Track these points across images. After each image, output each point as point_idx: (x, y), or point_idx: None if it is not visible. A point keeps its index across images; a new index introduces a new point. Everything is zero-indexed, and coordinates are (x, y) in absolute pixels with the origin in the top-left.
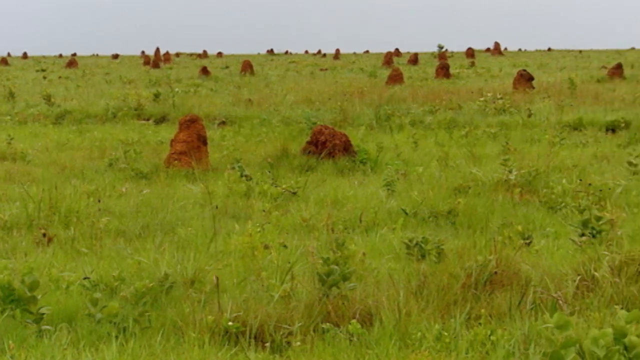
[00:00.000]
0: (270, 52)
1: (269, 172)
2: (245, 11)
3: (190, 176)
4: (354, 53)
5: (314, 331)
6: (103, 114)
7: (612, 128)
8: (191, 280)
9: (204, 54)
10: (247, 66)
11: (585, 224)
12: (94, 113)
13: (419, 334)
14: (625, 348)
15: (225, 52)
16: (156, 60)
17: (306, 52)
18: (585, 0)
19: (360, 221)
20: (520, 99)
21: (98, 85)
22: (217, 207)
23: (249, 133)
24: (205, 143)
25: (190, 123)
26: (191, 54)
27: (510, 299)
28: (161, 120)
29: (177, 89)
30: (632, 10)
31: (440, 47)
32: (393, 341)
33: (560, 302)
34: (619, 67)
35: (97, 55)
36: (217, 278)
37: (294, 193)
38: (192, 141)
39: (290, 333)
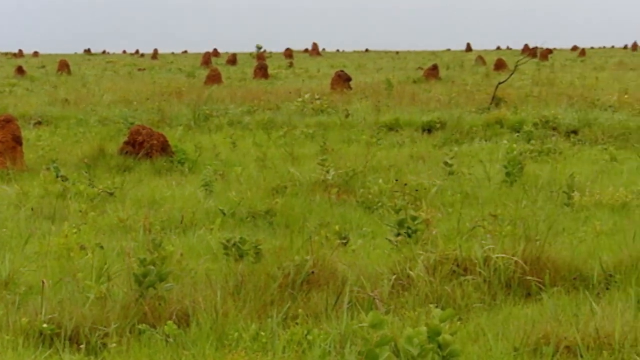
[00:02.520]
0: (88, 51)
1: (86, 172)
2: (61, 10)
3: (4, 177)
4: (172, 53)
5: (130, 332)
6: None
7: (428, 128)
8: (5, 281)
9: (20, 53)
10: (63, 66)
11: (401, 223)
12: None
13: (236, 334)
14: (439, 346)
15: (41, 51)
16: None
17: (124, 52)
18: (400, 2)
19: (182, 222)
20: (338, 100)
21: None
22: (32, 209)
23: (65, 133)
24: (20, 143)
25: (5, 123)
26: (6, 53)
27: (326, 299)
28: None
29: None
30: (446, 12)
31: (259, 48)
32: (210, 341)
33: (376, 301)
34: (434, 68)
35: None
36: (44, 282)
37: (111, 193)
38: (7, 141)
39: (106, 334)
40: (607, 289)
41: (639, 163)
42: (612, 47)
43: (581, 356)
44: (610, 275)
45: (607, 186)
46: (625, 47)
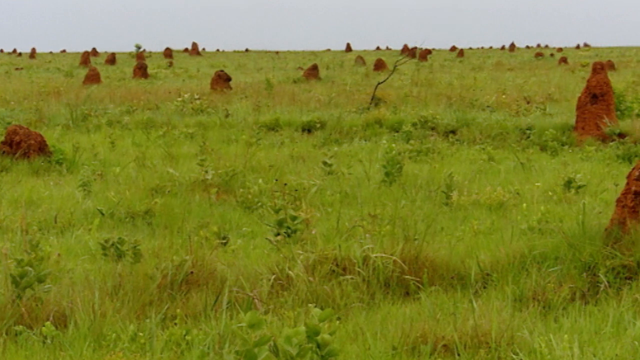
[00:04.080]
0: None
1: None
2: None
3: None
4: (51, 52)
5: (6, 334)
6: None
7: (308, 128)
8: None
9: None
10: None
11: (280, 223)
12: None
13: (114, 335)
14: (318, 346)
15: None
16: None
17: (1, 51)
18: (281, 2)
19: (56, 222)
20: (218, 100)
21: None
22: None
23: None
24: None
25: None
26: None
27: (205, 299)
28: None
29: None
30: (327, 13)
31: (138, 47)
32: (88, 342)
33: (255, 301)
34: (314, 68)
35: None
36: None
37: None
38: None
39: None
40: (485, 287)
41: (516, 163)
42: (490, 47)
43: (458, 355)
44: (488, 274)
45: (485, 186)
46: (503, 47)
